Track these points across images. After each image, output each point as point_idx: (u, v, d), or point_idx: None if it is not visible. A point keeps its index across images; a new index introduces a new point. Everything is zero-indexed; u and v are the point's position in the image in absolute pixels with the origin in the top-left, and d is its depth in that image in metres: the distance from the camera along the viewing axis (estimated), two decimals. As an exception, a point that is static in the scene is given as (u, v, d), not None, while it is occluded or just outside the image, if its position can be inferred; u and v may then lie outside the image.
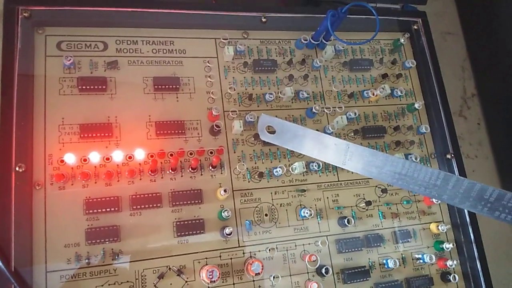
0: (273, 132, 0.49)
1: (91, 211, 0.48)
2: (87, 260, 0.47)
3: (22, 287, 0.43)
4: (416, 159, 0.61)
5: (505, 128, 0.85)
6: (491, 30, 0.87)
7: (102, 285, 0.47)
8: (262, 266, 0.50)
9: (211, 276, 0.48)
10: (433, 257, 0.57)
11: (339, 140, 0.47)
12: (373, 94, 0.62)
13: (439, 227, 0.59)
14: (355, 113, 0.59)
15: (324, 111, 0.61)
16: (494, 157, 0.86)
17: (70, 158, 0.49)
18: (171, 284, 0.49)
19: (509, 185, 0.83)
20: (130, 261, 0.48)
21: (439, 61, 0.68)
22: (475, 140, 0.86)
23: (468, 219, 0.61)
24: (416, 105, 0.63)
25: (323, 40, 0.61)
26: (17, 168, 0.47)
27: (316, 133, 0.48)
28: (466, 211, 0.61)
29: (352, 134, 0.61)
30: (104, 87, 0.53)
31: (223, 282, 0.51)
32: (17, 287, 0.43)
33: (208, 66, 0.58)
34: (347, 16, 0.56)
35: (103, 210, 0.48)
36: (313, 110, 0.59)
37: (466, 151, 0.84)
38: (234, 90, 0.57)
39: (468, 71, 0.90)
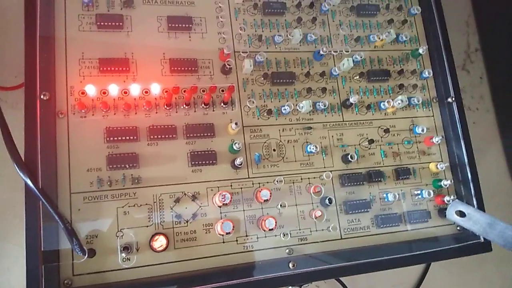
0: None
1: (111, 138, 0.51)
2: (108, 184, 0.51)
3: (49, 204, 0.46)
4: (418, 101, 0.63)
5: (507, 83, 0.87)
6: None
7: (122, 207, 0.51)
8: (271, 193, 0.54)
9: (223, 199, 0.51)
10: (431, 192, 0.61)
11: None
12: (379, 38, 0.64)
13: (438, 166, 0.62)
14: (361, 56, 0.62)
15: (331, 53, 0.63)
16: (494, 110, 0.88)
17: (90, 90, 0.51)
18: (186, 208, 0.53)
19: (509, 138, 0.85)
20: (149, 186, 0.52)
21: (444, 15, 0.70)
22: (477, 93, 0.88)
23: (466, 160, 0.64)
24: (420, 50, 0.65)
25: (331, -16, 0.63)
26: (42, 96, 0.50)
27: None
28: (465, 152, 0.64)
29: (358, 77, 0.63)
30: (121, 24, 0.55)
31: (233, 208, 0.54)
32: (45, 203, 0.46)
33: (219, 7, 0.60)
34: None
35: (123, 138, 0.52)
36: (321, 52, 0.61)
37: (468, 104, 0.86)
38: (244, 31, 0.60)
39: (472, 26, 0.91)
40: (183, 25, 0.57)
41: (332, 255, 0.56)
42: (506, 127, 0.86)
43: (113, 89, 0.52)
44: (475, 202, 0.63)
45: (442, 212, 0.62)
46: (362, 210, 0.58)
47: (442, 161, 0.64)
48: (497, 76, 0.89)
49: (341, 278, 0.67)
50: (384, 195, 0.60)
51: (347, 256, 0.56)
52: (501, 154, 0.86)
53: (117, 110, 0.53)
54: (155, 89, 0.54)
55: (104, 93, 0.53)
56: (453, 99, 0.65)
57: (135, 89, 0.53)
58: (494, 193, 0.82)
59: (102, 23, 0.54)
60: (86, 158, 0.51)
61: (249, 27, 0.61)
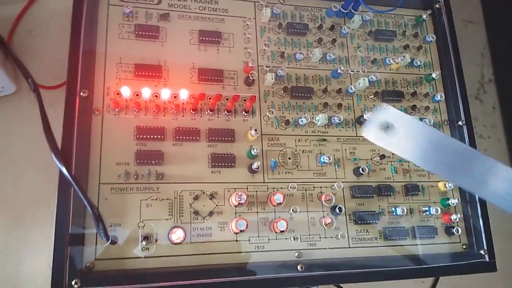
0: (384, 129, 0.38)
1: (140, 136, 0.56)
2: (135, 177, 0.55)
3: (80, 190, 0.50)
4: (430, 123, 0.66)
5: (520, 114, 0.90)
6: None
7: (146, 199, 0.55)
8: (284, 197, 0.57)
9: (239, 199, 0.54)
10: (439, 209, 0.63)
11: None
12: (394, 62, 0.68)
13: (447, 185, 0.65)
14: (376, 77, 0.65)
15: (348, 73, 0.67)
16: (506, 140, 0.90)
17: (125, 91, 0.56)
18: (204, 205, 0.56)
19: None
20: (171, 182, 0.56)
21: (459, 47, 0.73)
22: (489, 122, 0.91)
23: (474, 181, 0.66)
24: (434, 75, 0.68)
25: (352, 10, 0.67)
26: (81, 93, 0.55)
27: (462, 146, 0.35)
28: (472, 173, 0.66)
29: (372, 96, 0.67)
30: (157, 34, 0.60)
31: (248, 209, 0.58)
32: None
33: (247, 25, 0.65)
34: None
35: (151, 137, 0.56)
36: (339, 70, 0.65)
37: (480, 132, 0.89)
38: (268, 47, 0.64)
39: (487, 57, 0.95)
40: (213, 39, 0.62)
41: (339, 262, 0.58)
42: (518, 157, 0.88)
43: (146, 92, 0.57)
44: (481, 222, 0.64)
45: (448, 230, 0.64)
46: (371, 222, 0.61)
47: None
48: (510, 107, 0.91)
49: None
50: (393, 209, 0.63)
51: (353, 264, 0.58)
52: (511, 182, 0.87)
53: (148, 111, 0.58)
54: (184, 94, 0.58)
55: (137, 95, 0.58)
56: (464, 122, 0.68)
57: (165, 94, 0.58)
58: (502, 217, 0.83)
59: (140, 33, 0.60)
60: (116, 153, 0.55)
61: (273, 44, 0.66)
